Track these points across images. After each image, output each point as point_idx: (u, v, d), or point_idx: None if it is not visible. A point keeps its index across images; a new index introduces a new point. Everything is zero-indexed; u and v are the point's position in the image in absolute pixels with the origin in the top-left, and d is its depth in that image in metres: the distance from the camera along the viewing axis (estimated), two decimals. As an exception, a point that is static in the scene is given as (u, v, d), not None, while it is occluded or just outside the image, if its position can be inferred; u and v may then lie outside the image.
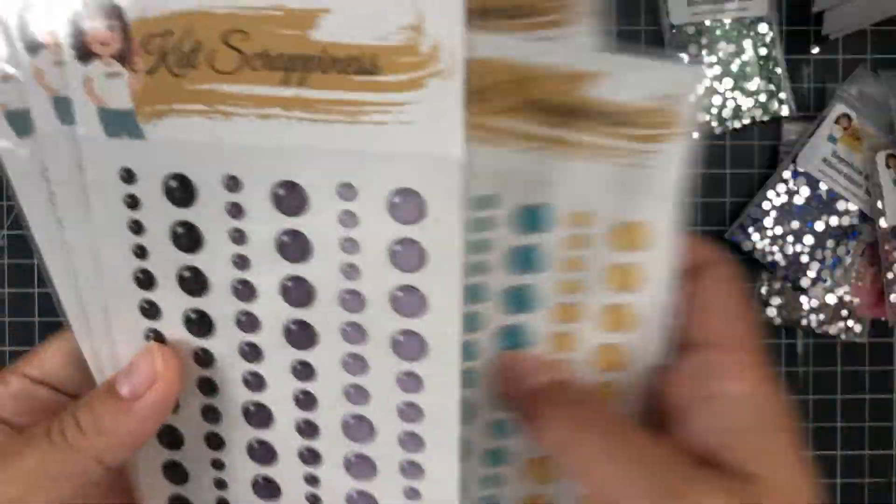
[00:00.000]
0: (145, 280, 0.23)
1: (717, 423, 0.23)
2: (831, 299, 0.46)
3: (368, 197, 0.21)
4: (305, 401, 0.24)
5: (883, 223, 0.45)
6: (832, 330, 0.46)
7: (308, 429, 0.24)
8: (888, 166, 0.45)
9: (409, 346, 0.22)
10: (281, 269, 0.22)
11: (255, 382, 0.24)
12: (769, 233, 0.46)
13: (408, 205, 0.20)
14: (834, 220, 0.46)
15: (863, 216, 0.46)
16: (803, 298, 0.46)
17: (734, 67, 0.46)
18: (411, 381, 0.23)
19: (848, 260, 0.46)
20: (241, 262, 0.22)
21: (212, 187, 0.21)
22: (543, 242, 0.22)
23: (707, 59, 0.46)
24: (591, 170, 0.22)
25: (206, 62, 0.20)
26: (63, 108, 0.21)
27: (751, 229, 0.46)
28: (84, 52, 0.20)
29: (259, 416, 0.24)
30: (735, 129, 0.47)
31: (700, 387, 0.24)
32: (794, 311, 0.46)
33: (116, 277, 0.23)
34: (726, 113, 0.46)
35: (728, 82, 0.46)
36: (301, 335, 0.23)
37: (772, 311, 0.46)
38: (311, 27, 0.19)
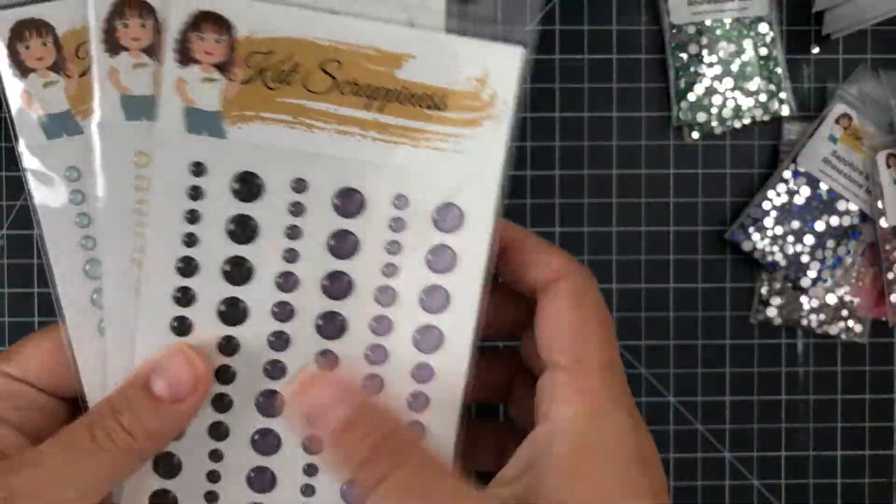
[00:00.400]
0: (186, 268, 0.25)
1: (537, 448, 0.24)
2: (832, 299, 0.46)
3: (418, 208, 0.25)
4: None
5: (883, 223, 0.45)
6: (832, 330, 0.46)
7: None
8: (889, 166, 0.45)
9: (428, 340, 0.26)
10: (327, 264, 0.25)
11: (275, 371, 0.26)
12: (769, 233, 0.46)
13: (449, 216, 0.25)
14: (834, 220, 0.46)
15: (863, 216, 0.46)
16: (803, 298, 0.46)
17: (734, 67, 0.46)
18: (424, 372, 0.26)
19: (848, 260, 0.46)
20: (291, 255, 0.25)
21: (280, 187, 0.25)
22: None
23: (707, 58, 0.46)
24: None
25: (301, 82, 0.24)
26: (131, 105, 0.24)
27: (751, 229, 0.46)
28: (185, 58, 0.24)
29: (267, 406, 0.26)
30: (735, 129, 0.47)
31: (538, 409, 0.25)
32: (795, 311, 0.46)
33: (156, 265, 0.25)
34: (726, 113, 0.46)
35: (728, 82, 0.46)
36: (331, 326, 0.25)
37: (772, 312, 0.46)
38: (397, 67, 0.24)
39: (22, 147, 0.24)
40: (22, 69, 0.24)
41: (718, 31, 0.46)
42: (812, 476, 0.47)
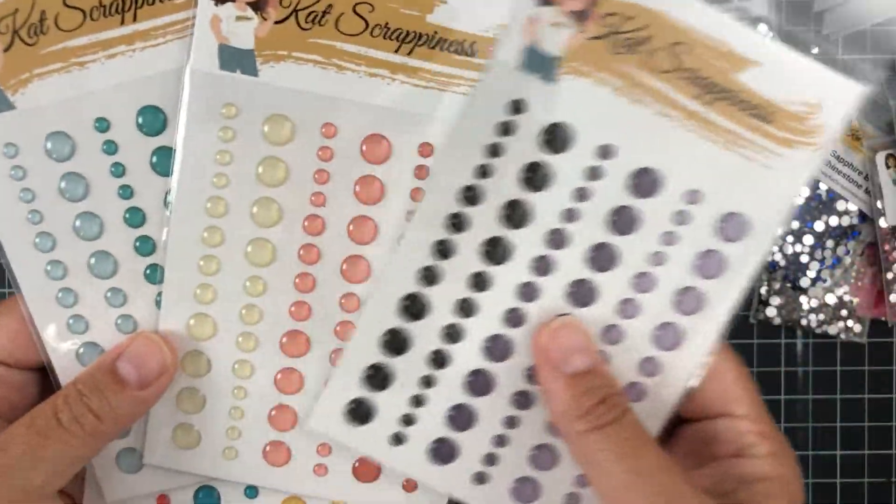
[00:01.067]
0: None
1: (735, 474, 0.27)
2: (831, 299, 0.46)
3: (708, 207, 0.24)
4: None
5: (883, 223, 0.45)
6: (832, 330, 0.47)
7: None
8: (888, 166, 0.45)
9: (665, 338, 0.26)
10: (599, 233, 0.25)
11: (514, 318, 0.26)
12: (769, 233, 0.46)
13: (735, 224, 0.25)
14: (834, 220, 0.46)
15: (862, 216, 0.46)
16: (803, 298, 0.46)
17: (734, 67, 0.46)
18: (653, 363, 0.27)
19: (848, 260, 0.46)
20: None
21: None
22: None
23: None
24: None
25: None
26: (226, 55, 0.24)
27: (750, 229, 0.46)
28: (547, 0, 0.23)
29: (496, 349, 0.27)
30: (735, 129, 0.47)
31: (724, 448, 0.28)
32: (794, 310, 0.46)
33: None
34: (726, 113, 0.46)
35: (728, 82, 0.46)
36: (582, 293, 0.26)
37: (771, 311, 0.46)
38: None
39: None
40: None
41: (718, 32, 0.46)
42: (811, 475, 0.47)
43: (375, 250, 0.25)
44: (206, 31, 0.24)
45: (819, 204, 0.46)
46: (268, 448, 0.27)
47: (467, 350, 0.26)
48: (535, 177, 0.25)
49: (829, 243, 0.46)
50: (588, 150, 0.24)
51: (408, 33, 0.24)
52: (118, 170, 0.25)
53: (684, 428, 0.28)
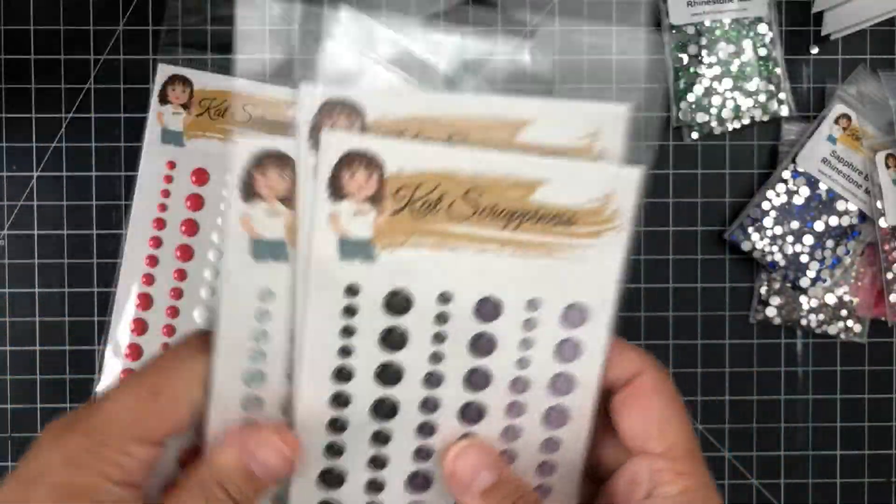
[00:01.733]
0: (344, 375, 0.29)
1: None
2: (831, 299, 0.46)
3: (549, 308, 0.28)
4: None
5: (882, 223, 0.45)
6: (832, 330, 0.47)
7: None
8: (888, 166, 0.45)
9: (556, 418, 0.30)
10: (468, 362, 0.29)
11: (423, 455, 0.30)
12: (769, 233, 0.46)
13: (575, 314, 0.29)
14: (833, 220, 0.46)
15: (862, 216, 0.46)
16: (803, 298, 0.46)
17: (734, 68, 0.46)
18: (552, 444, 0.30)
19: (847, 260, 0.46)
20: (435, 358, 0.29)
21: (427, 301, 0.28)
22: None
23: (707, 59, 0.46)
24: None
25: (445, 208, 0.27)
26: (260, 248, 0.27)
27: (750, 229, 0.46)
28: (338, 194, 0.27)
29: (418, 483, 0.30)
30: (735, 130, 0.47)
31: (639, 490, 0.28)
32: (794, 310, 0.46)
33: (316, 376, 0.29)
34: (726, 113, 0.46)
35: (728, 83, 0.46)
36: (473, 412, 0.29)
37: (771, 311, 0.46)
38: (531, 193, 0.27)
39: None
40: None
41: (718, 32, 0.46)
42: (811, 475, 0.47)
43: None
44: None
45: (819, 204, 0.46)
46: None
47: (394, 495, 0.30)
48: (393, 339, 0.28)
49: (829, 243, 0.46)
50: (430, 302, 0.28)
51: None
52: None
53: (613, 477, 0.30)
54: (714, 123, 0.46)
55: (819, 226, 0.46)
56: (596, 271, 0.29)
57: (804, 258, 0.46)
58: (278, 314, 0.28)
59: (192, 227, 0.38)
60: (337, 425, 0.29)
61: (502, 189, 0.27)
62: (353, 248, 0.28)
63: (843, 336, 0.47)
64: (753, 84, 0.46)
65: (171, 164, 0.39)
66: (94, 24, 0.46)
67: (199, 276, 0.40)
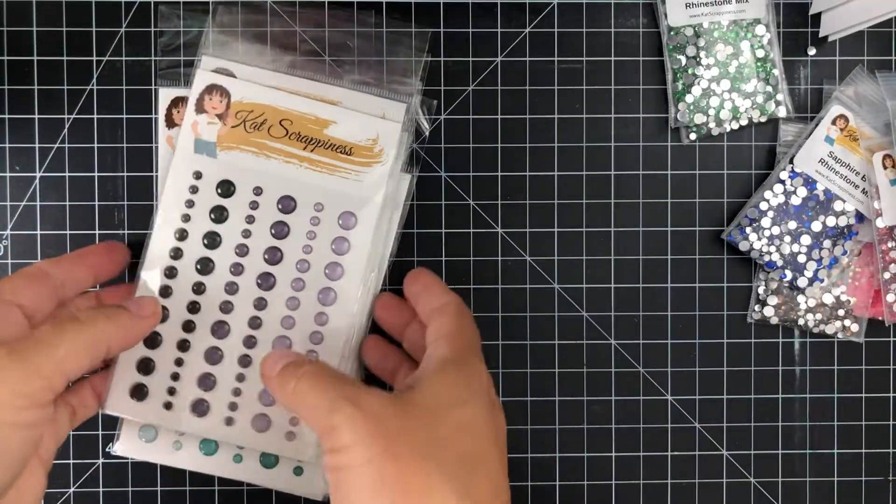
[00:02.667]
0: (179, 236, 0.42)
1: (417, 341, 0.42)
2: (828, 299, 0.47)
3: (330, 212, 0.42)
4: (256, 320, 0.42)
5: (880, 223, 0.45)
6: (829, 329, 0.47)
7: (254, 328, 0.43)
8: (885, 167, 0.45)
9: (328, 297, 0.42)
10: (268, 241, 0.42)
11: (226, 309, 0.42)
12: (766, 233, 0.46)
13: (348, 219, 0.42)
14: (831, 221, 0.46)
15: (860, 216, 0.46)
16: (800, 298, 0.47)
17: (731, 69, 0.46)
18: (323, 318, 0.42)
19: (845, 260, 0.47)
20: (246, 234, 0.42)
21: (245, 191, 0.42)
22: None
23: (705, 60, 0.46)
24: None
25: (266, 129, 0.42)
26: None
27: (748, 229, 0.46)
28: (199, 109, 0.42)
29: (217, 330, 0.42)
30: (732, 130, 0.47)
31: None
32: (792, 310, 0.47)
33: (163, 233, 0.42)
34: (724, 114, 0.46)
35: (725, 84, 0.46)
36: (266, 282, 0.42)
37: (769, 311, 0.47)
38: (325, 127, 0.42)
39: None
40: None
41: (716, 34, 0.46)
42: (809, 474, 0.47)
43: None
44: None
45: (816, 204, 0.46)
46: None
47: (201, 335, 0.42)
48: (219, 216, 0.42)
49: (827, 243, 0.46)
50: (247, 191, 0.41)
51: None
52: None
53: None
54: (712, 125, 0.46)
55: (816, 226, 0.46)
56: (365, 190, 0.42)
57: (802, 258, 0.46)
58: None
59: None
60: (171, 274, 0.42)
61: (305, 122, 0.41)
62: (202, 146, 0.42)
63: (840, 335, 0.47)
64: (751, 85, 0.46)
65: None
66: (97, 25, 0.46)
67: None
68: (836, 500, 0.47)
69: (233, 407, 0.42)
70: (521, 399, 0.47)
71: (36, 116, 0.46)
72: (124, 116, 0.46)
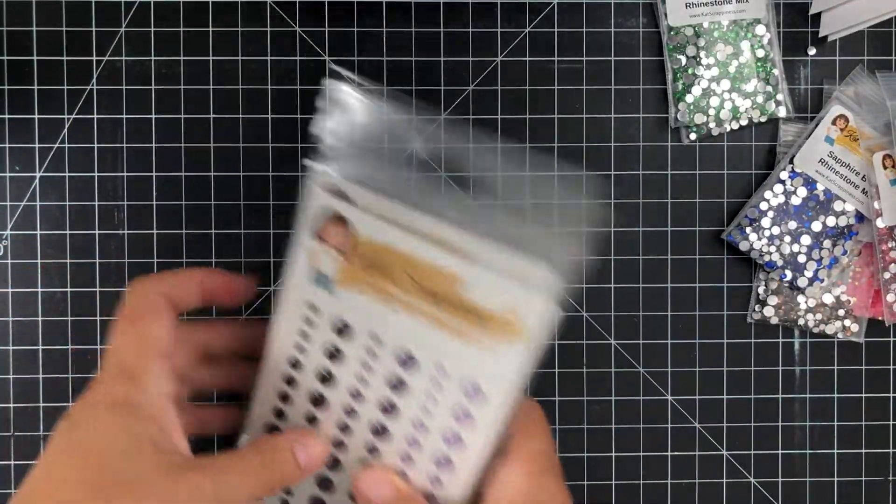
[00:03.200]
0: (297, 364, 0.37)
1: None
2: (828, 299, 0.47)
3: (454, 380, 0.34)
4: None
5: (880, 223, 0.45)
6: (829, 329, 0.47)
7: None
8: (885, 167, 0.45)
9: (443, 463, 0.35)
10: (385, 393, 0.35)
11: (337, 445, 0.37)
12: (766, 233, 0.46)
13: (476, 392, 0.34)
14: (831, 221, 0.46)
15: (860, 216, 0.46)
16: (800, 298, 0.47)
17: (731, 69, 0.46)
18: (436, 484, 0.35)
19: (845, 260, 0.47)
20: (362, 380, 0.36)
21: (362, 336, 0.35)
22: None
23: (705, 60, 0.46)
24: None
25: (391, 276, 0.34)
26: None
27: (748, 229, 0.46)
28: (321, 240, 0.35)
29: (326, 485, 0.38)
30: (733, 130, 0.47)
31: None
32: (792, 310, 0.47)
33: (278, 359, 0.37)
34: (724, 114, 0.46)
35: (725, 84, 0.46)
36: (383, 431, 0.36)
37: (769, 311, 0.47)
38: (456, 286, 0.33)
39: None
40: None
41: (716, 34, 0.46)
42: (809, 474, 0.48)
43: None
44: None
45: (816, 204, 0.46)
46: None
47: (307, 479, 0.37)
48: (334, 354, 0.36)
49: (827, 243, 0.46)
50: (364, 337, 0.35)
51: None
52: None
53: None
54: (712, 125, 0.46)
55: (817, 226, 0.46)
56: (497, 366, 0.33)
57: (802, 258, 0.46)
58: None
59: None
60: (286, 399, 0.37)
61: (435, 276, 0.34)
62: (321, 280, 0.36)
63: (840, 335, 0.47)
64: (751, 85, 0.46)
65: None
66: (97, 25, 0.46)
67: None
68: (836, 500, 0.47)
69: None
70: (521, 399, 0.47)
71: (36, 116, 0.46)
72: (124, 116, 0.46)
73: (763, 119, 0.46)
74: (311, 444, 0.36)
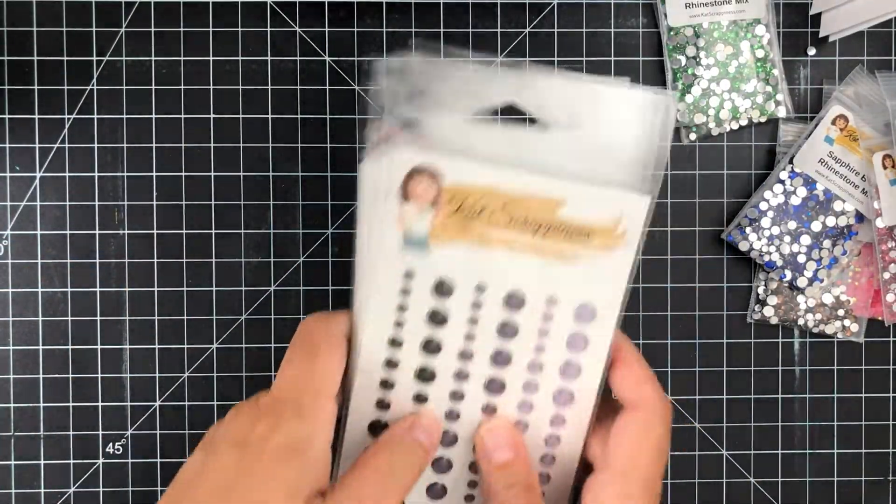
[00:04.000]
0: (392, 343, 0.35)
1: None
2: (828, 299, 0.47)
3: (564, 306, 0.34)
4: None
5: (879, 223, 0.45)
6: (829, 329, 0.47)
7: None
8: (884, 167, 0.45)
9: (563, 398, 0.35)
10: (494, 343, 0.34)
11: (452, 418, 0.35)
12: (766, 233, 0.46)
13: (586, 312, 0.34)
14: (831, 221, 0.46)
15: (859, 216, 0.46)
16: (800, 298, 0.47)
17: (731, 69, 0.46)
18: (557, 421, 0.35)
19: (844, 260, 0.47)
20: (469, 337, 0.34)
21: (465, 290, 0.34)
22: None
23: (705, 60, 0.46)
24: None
25: (487, 215, 0.33)
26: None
27: (748, 229, 0.46)
28: (405, 198, 0.33)
29: (445, 439, 0.36)
30: (732, 130, 0.47)
31: (583, 493, 0.33)
32: (791, 310, 0.47)
33: (375, 341, 0.35)
34: (724, 114, 0.46)
35: (725, 84, 0.46)
36: (496, 386, 0.35)
37: (769, 311, 0.47)
38: (557, 209, 0.33)
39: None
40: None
41: (716, 34, 0.46)
42: (808, 474, 0.48)
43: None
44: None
45: (816, 204, 0.46)
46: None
47: None
48: (436, 318, 0.34)
49: (827, 243, 0.46)
50: (467, 290, 0.34)
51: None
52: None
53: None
54: (712, 125, 0.46)
55: (816, 226, 0.46)
56: (605, 279, 0.34)
57: (801, 258, 0.46)
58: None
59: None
60: (388, 384, 0.35)
61: (532, 204, 0.33)
62: (412, 242, 0.34)
63: (840, 335, 0.47)
64: (751, 85, 0.46)
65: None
66: (97, 25, 0.46)
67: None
68: (836, 500, 0.48)
69: None
70: (521, 399, 0.47)
71: (36, 116, 0.46)
72: (124, 116, 0.46)
73: (763, 119, 0.46)
74: (425, 422, 0.34)
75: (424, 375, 0.35)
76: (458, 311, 0.34)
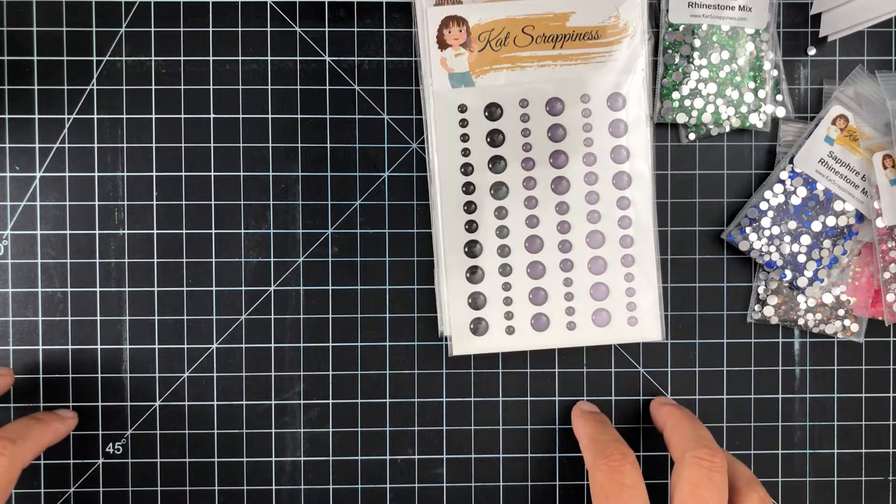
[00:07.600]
0: (465, 171, 0.43)
1: None
2: (828, 299, 0.47)
3: (597, 100, 0.43)
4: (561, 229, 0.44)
5: (880, 223, 0.45)
6: (829, 329, 0.47)
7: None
8: (885, 167, 0.45)
9: (621, 180, 0.44)
10: (550, 147, 0.43)
11: (531, 223, 0.44)
12: (766, 233, 0.46)
13: (617, 100, 0.43)
14: (831, 221, 0.46)
15: (860, 216, 0.46)
16: (800, 298, 0.47)
17: (722, 74, 0.46)
18: (623, 203, 0.45)
19: (845, 260, 0.47)
20: (527, 147, 0.43)
21: (512, 107, 0.43)
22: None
23: (698, 62, 0.46)
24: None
25: (512, 42, 0.42)
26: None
27: (748, 229, 0.46)
28: (443, 45, 0.43)
29: (534, 245, 0.44)
30: (732, 131, 0.47)
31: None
32: (791, 310, 0.47)
33: (450, 169, 0.43)
34: (705, 118, 0.46)
35: (712, 88, 0.46)
36: (563, 186, 0.44)
37: (769, 311, 0.47)
38: (566, 21, 0.42)
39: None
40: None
41: (714, 37, 0.46)
42: (809, 474, 0.48)
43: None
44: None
45: (816, 204, 0.46)
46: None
47: (518, 255, 0.44)
48: (495, 139, 0.43)
49: (827, 243, 0.46)
50: (514, 107, 0.43)
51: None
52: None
53: None
54: (711, 125, 0.46)
55: (816, 226, 0.46)
56: (623, 66, 0.43)
57: (802, 258, 0.46)
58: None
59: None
60: (470, 209, 0.43)
61: (546, 21, 0.42)
62: (458, 78, 0.43)
63: (840, 335, 0.47)
64: (737, 94, 0.46)
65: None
66: (97, 25, 0.46)
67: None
68: (836, 500, 0.47)
69: (570, 311, 0.44)
70: (521, 399, 0.47)
71: (36, 116, 0.46)
72: (124, 116, 0.46)
73: (743, 127, 0.46)
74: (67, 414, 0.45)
75: (500, 192, 0.43)
76: (511, 127, 0.43)
